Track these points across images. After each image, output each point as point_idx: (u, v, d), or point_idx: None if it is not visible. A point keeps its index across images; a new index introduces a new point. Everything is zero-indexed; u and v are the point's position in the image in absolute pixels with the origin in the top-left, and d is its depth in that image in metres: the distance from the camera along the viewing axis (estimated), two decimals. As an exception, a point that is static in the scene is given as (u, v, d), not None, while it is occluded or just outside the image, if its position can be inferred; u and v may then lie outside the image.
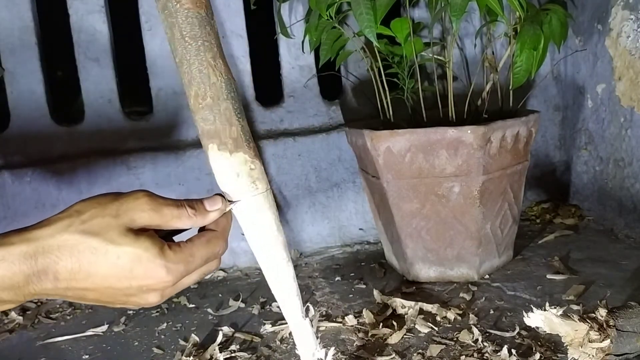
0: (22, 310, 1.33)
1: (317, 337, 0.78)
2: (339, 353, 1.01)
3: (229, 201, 0.66)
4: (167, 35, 0.70)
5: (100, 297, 0.55)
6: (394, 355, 0.98)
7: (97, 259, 0.51)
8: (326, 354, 0.78)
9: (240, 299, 1.29)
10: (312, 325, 0.77)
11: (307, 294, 1.30)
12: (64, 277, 0.52)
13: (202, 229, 0.63)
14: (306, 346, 0.78)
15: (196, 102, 0.70)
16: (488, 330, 1.04)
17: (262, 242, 0.72)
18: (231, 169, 0.69)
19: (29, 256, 0.50)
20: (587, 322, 0.80)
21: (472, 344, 1.00)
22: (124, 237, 0.52)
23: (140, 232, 0.54)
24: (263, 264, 0.73)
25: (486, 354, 0.95)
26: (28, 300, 0.62)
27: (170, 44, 0.70)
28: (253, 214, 0.71)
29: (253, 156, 0.71)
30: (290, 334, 1.10)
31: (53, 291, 0.53)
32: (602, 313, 0.81)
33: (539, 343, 0.96)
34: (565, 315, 0.81)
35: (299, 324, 0.76)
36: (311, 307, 0.85)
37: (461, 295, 1.20)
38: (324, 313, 1.18)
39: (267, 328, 1.13)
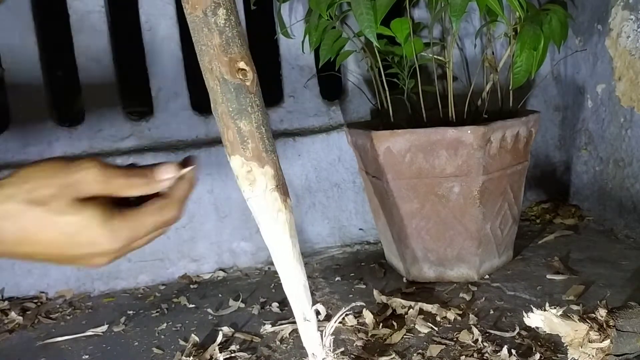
0: (22, 310, 1.33)
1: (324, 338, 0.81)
2: (340, 353, 1.01)
3: (184, 166, 0.60)
4: None
5: (49, 259, 0.56)
6: (394, 355, 0.98)
7: (42, 228, 0.52)
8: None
9: (240, 299, 1.29)
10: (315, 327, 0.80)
11: (307, 294, 1.29)
12: (9, 242, 0.52)
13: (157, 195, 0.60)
14: (308, 345, 0.79)
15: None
16: (488, 330, 1.03)
17: (269, 242, 0.76)
18: (234, 171, 0.71)
19: None
20: (587, 322, 0.80)
21: (472, 344, 1.00)
22: (70, 207, 0.52)
23: (88, 200, 0.54)
24: (275, 262, 0.77)
25: (486, 354, 0.95)
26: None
27: None
28: (256, 215, 0.73)
29: (250, 158, 0.71)
30: (290, 334, 1.10)
31: None
32: (602, 313, 0.81)
33: (539, 343, 0.96)
34: (565, 315, 0.81)
35: (301, 324, 0.78)
36: (321, 308, 0.86)
37: (461, 295, 1.20)
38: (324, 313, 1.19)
39: (267, 328, 1.13)
